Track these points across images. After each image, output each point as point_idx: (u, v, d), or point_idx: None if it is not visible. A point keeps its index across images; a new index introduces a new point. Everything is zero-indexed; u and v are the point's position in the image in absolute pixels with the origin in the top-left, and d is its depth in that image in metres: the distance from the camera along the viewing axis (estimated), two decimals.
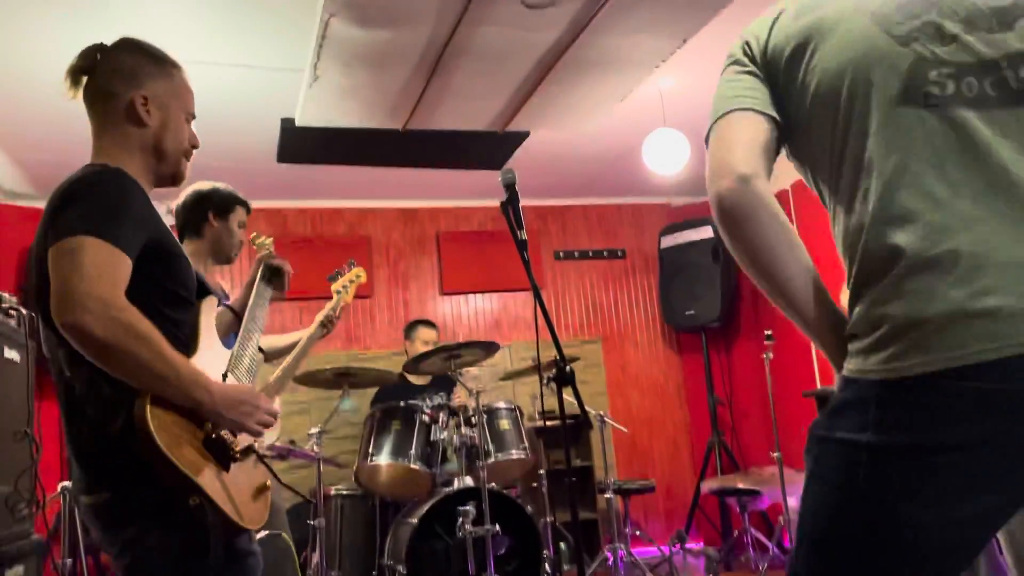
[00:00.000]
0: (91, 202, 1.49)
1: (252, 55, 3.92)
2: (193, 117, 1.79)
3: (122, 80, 1.68)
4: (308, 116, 4.22)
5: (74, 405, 1.53)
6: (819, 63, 1.23)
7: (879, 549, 1.10)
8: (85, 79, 1.70)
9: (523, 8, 3.33)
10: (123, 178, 1.57)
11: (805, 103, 1.25)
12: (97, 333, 1.38)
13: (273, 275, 2.23)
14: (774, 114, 1.28)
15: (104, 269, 1.43)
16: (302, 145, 4.82)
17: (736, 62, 1.33)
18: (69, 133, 4.46)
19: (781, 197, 5.86)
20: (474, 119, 4.45)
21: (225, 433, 1.58)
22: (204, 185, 2.99)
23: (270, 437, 2.99)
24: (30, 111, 4.26)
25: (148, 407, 1.44)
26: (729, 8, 3.48)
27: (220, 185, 3.01)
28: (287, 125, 4.50)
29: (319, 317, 3.24)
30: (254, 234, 2.71)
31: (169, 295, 1.59)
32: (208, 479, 1.50)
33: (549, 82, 4.03)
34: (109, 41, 1.74)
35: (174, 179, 1.76)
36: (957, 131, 1.13)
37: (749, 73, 1.31)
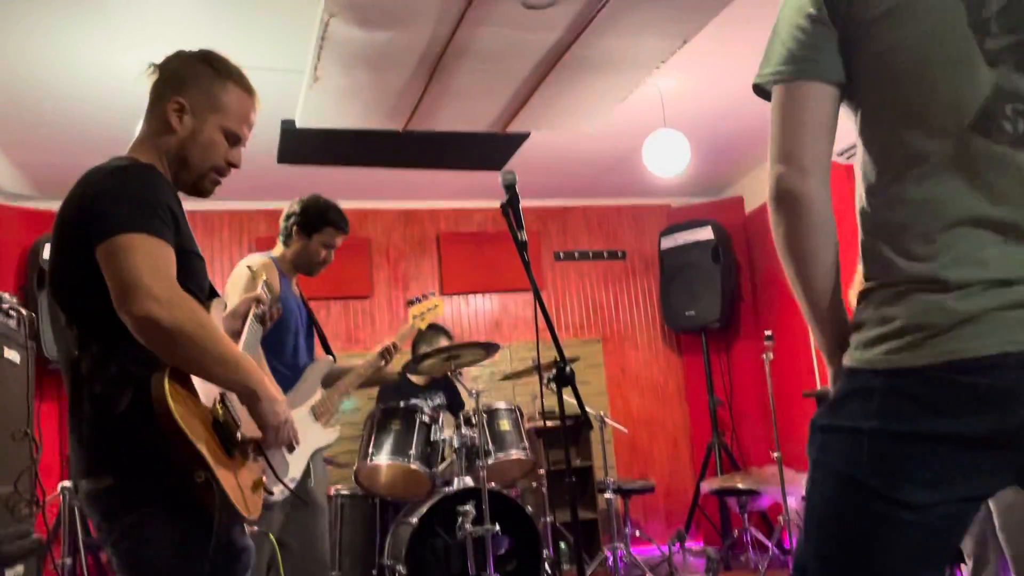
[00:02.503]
0: (132, 197, 1.54)
1: (252, 56, 3.90)
2: (237, 138, 1.76)
3: (170, 84, 1.72)
4: (308, 117, 4.23)
5: (81, 384, 1.55)
6: (901, 41, 1.18)
7: (883, 531, 1.14)
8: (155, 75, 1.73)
9: (523, 9, 3.33)
10: (155, 174, 1.62)
11: (875, 73, 1.20)
12: (164, 322, 1.44)
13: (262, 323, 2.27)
14: (842, 79, 1.23)
15: (160, 262, 1.50)
16: (302, 146, 4.82)
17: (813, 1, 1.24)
18: (70, 135, 4.48)
19: None
20: (474, 120, 4.45)
21: (229, 418, 1.60)
22: (304, 200, 3.14)
23: (326, 439, 3.08)
24: (31, 113, 4.26)
25: (167, 378, 1.48)
26: (729, 9, 3.48)
27: (319, 203, 3.13)
28: (287, 126, 4.51)
29: (383, 344, 3.32)
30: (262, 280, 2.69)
31: (185, 291, 1.60)
32: (215, 458, 1.52)
33: (549, 83, 4.03)
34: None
35: (194, 191, 1.77)
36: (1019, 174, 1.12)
37: (821, 22, 1.22)
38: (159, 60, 1.75)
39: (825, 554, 1.21)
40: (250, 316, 2.08)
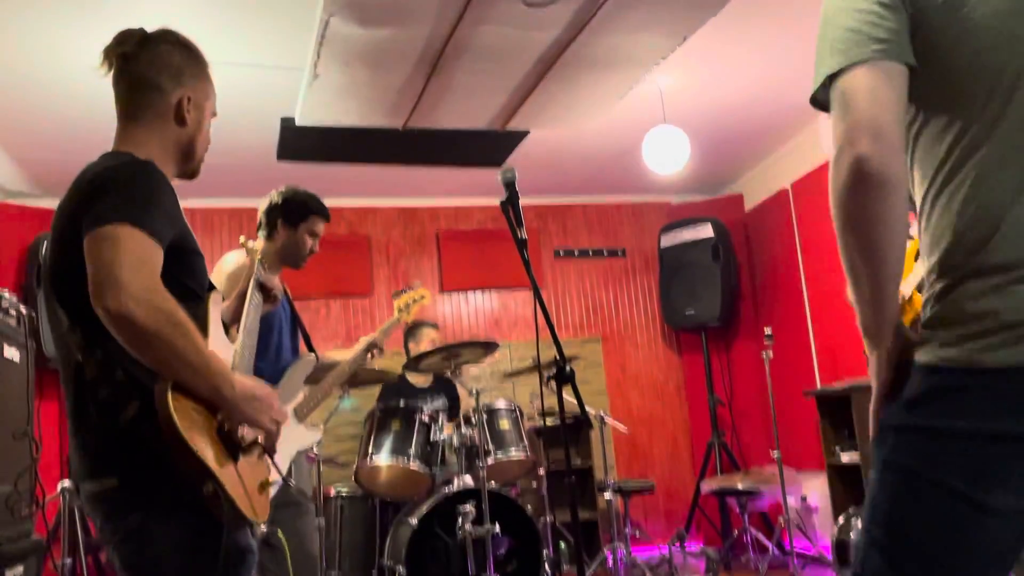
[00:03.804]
0: (128, 192, 1.51)
1: (252, 54, 3.92)
2: (215, 116, 1.83)
3: (169, 75, 1.70)
4: (308, 115, 4.22)
5: (84, 389, 1.53)
6: (975, 26, 1.14)
7: (964, 535, 1.11)
8: (121, 61, 1.70)
9: (523, 6, 3.32)
10: (155, 170, 1.59)
11: (944, 56, 1.16)
12: (139, 320, 1.40)
13: (264, 290, 2.24)
14: (914, 62, 1.17)
15: (144, 257, 1.45)
16: (302, 143, 4.82)
17: None
18: (69, 132, 4.47)
19: (781, 196, 5.86)
20: (474, 117, 4.44)
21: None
22: (283, 192, 3.11)
23: (309, 440, 3.05)
24: (31, 110, 4.25)
25: (169, 391, 1.45)
26: (729, 6, 3.47)
27: (298, 193, 3.11)
28: (287, 124, 4.50)
29: (366, 340, 3.28)
30: (242, 238, 2.69)
31: (185, 289, 1.60)
32: (222, 467, 1.50)
33: (549, 80, 4.02)
34: (108, 39, 1.73)
35: (192, 176, 1.81)
36: None
37: (891, 7, 1.17)
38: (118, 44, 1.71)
39: (894, 556, 1.17)
40: (251, 290, 2.07)
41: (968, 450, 1.10)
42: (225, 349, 1.76)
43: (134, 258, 1.43)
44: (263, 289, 2.16)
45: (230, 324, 2.05)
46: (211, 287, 1.75)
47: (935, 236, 1.18)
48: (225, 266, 3.00)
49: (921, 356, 1.17)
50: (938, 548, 1.13)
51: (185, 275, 1.61)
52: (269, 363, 2.99)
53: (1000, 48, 1.14)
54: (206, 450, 1.48)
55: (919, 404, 1.16)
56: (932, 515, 1.13)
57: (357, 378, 4.12)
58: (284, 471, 2.89)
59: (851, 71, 1.15)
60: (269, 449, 1.69)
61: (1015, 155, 1.13)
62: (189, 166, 1.77)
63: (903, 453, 1.17)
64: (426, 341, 4.98)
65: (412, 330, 5.18)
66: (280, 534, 2.74)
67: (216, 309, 1.74)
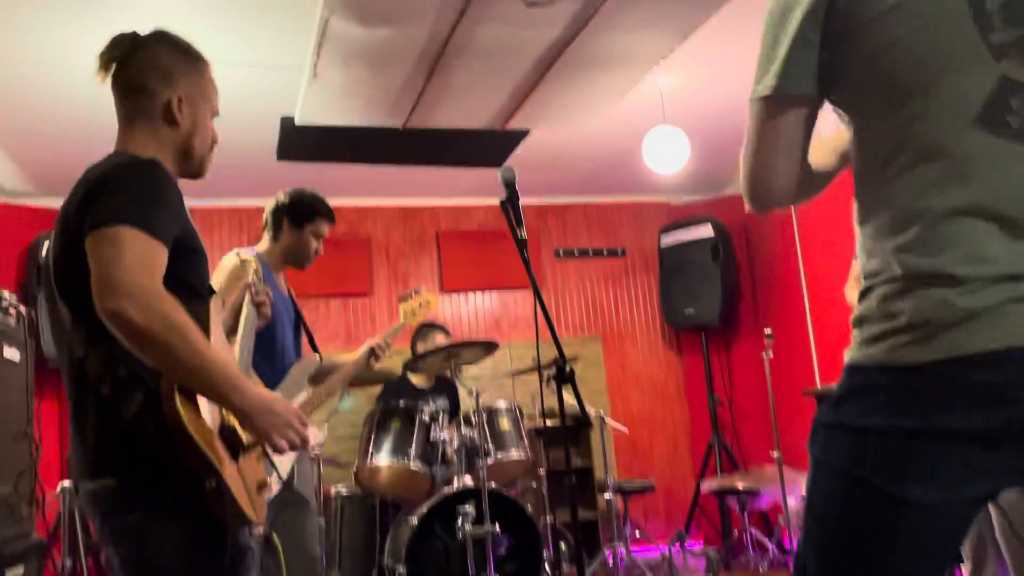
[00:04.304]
0: (131, 191, 1.52)
1: (252, 53, 3.92)
2: (216, 113, 1.81)
3: (158, 78, 1.70)
4: (308, 114, 4.22)
5: (86, 386, 1.53)
6: (901, 38, 1.15)
7: (888, 531, 1.13)
8: (115, 67, 1.71)
9: (523, 6, 3.32)
10: (160, 170, 1.60)
11: (872, 70, 1.18)
12: (137, 321, 1.40)
13: (256, 306, 2.26)
14: (816, 92, 1.22)
15: (145, 259, 1.46)
16: (302, 143, 4.81)
17: None
18: (70, 132, 4.46)
19: None
20: (474, 117, 4.44)
21: (235, 422, 1.59)
22: (290, 193, 3.13)
23: (312, 440, 3.05)
24: (31, 110, 4.25)
25: (176, 385, 1.46)
26: (728, 5, 3.47)
27: (305, 195, 3.13)
28: (287, 123, 4.49)
29: (370, 343, 3.29)
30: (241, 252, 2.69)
31: (189, 289, 1.60)
32: (224, 464, 1.51)
33: (549, 80, 4.02)
34: (107, 38, 1.73)
35: (197, 175, 1.80)
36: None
37: (812, 21, 1.19)
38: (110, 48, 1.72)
39: (827, 554, 1.19)
40: (246, 305, 2.07)
41: (887, 447, 1.12)
42: (225, 351, 1.77)
43: (134, 259, 1.43)
44: (256, 305, 2.18)
45: (227, 335, 2.06)
46: (211, 291, 1.75)
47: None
48: (228, 263, 3.00)
49: (846, 355, 1.21)
50: (867, 544, 1.15)
51: (188, 273, 1.61)
52: (273, 362, 2.99)
53: (916, 67, 1.16)
54: (209, 444, 1.48)
55: (842, 402, 1.19)
56: (858, 512, 1.16)
57: (358, 379, 4.13)
58: (287, 471, 2.90)
59: (761, 105, 1.30)
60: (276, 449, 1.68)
61: (927, 167, 1.15)
62: (190, 165, 1.76)
63: (830, 451, 1.20)
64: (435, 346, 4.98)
65: (422, 331, 5.17)
66: (275, 537, 2.74)
67: (216, 314, 1.74)
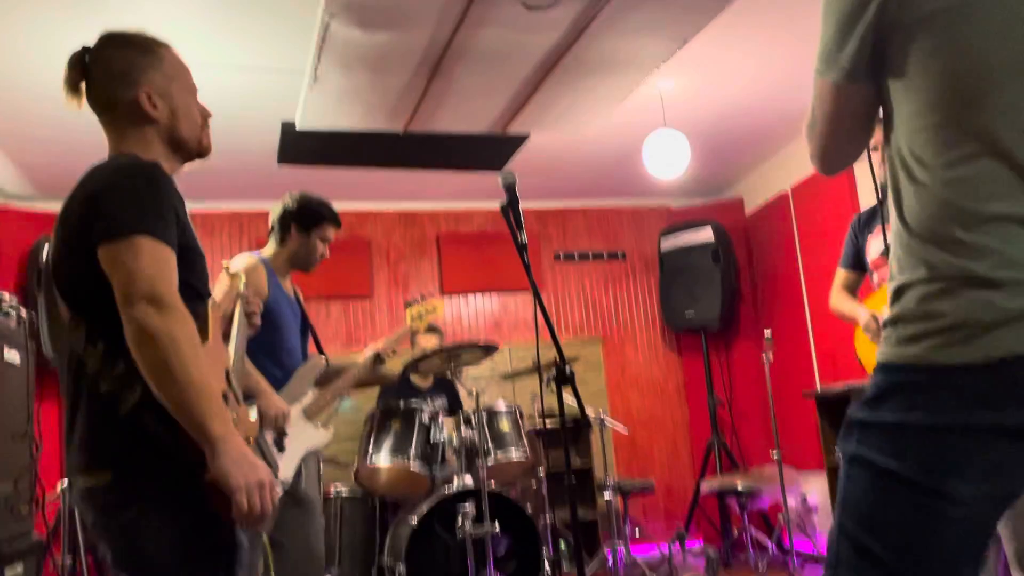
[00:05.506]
0: (139, 198, 1.54)
1: (252, 57, 3.93)
2: (195, 88, 1.81)
3: (120, 83, 1.69)
4: (309, 118, 4.23)
5: (85, 383, 1.54)
6: (955, 41, 1.16)
7: (926, 525, 1.16)
8: (83, 85, 1.71)
9: (523, 10, 3.33)
10: (160, 172, 1.61)
11: (921, 71, 1.19)
12: (162, 332, 1.44)
13: (247, 316, 2.29)
14: (871, 83, 1.26)
15: (164, 270, 1.51)
16: (302, 147, 4.83)
17: None
18: (70, 135, 4.48)
19: (781, 200, 5.87)
20: (474, 121, 4.45)
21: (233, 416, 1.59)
22: (297, 198, 3.16)
23: (319, 440, 3.09)
24: (30, 113, 4.27)
25: None
26: (728, 9, 3.49)
27: (312, 200, 3.16)
28: (288, 127, 4.51)
29: (374, 348, 3.30)
30: (225, 262, 2.70)
31: (190, 289, 1.61)
32: None
33: (549, 84, 4.03)
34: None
35: (199, 155, 1.80)
36: None
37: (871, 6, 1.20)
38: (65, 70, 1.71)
39: (863, 549, 1.21)
40: (237, 314, 2.08)
41: (928, 442, 1.15)
42: (223, 352, 1.78)
43: (155, 270, 1.49)
44: (247, 315, 2.20)
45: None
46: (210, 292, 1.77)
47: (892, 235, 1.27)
48: (232, 266, 3.02)
49: (879, 354, 1.23)
50: (905, 538, 1.17)
51: (190, 274, 1.62)
52: (279, 364, 3.02)
53: (969, 72, 1.17)
54: None
55: (879, 400, 1.21)
56: (897, 506, 1.18)
57: (361, 381, 4.15)
58: (292, 471, 2.91)
59: (821, 83, 1.29)
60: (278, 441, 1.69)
61: (972, 171, 1.16)
62: (187, 149, 1.76)
63: (867, 448, 1.22)
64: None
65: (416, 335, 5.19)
66: (264, 538, 2.75)
67: (215, 319, 1.76)
